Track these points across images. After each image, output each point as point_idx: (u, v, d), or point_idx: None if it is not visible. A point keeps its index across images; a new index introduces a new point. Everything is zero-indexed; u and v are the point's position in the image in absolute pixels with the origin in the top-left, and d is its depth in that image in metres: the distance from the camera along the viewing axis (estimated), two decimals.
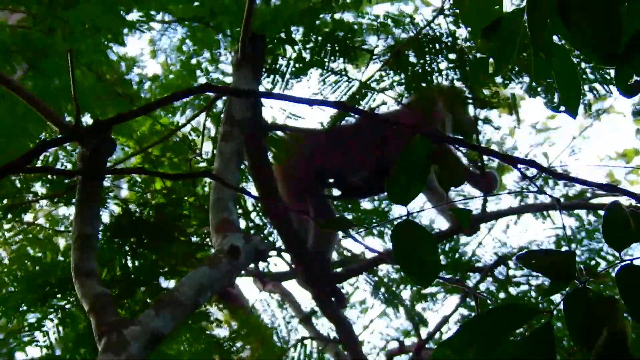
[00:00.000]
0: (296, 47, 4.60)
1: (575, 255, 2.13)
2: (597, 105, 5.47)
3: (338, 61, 4.79)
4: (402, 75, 4.84)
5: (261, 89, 4.32)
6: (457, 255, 5.75)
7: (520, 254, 2.15)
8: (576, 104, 2.29)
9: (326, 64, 4.77)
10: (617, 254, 1.99)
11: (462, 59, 4.88)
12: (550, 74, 2.26)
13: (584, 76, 4.71)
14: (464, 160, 5.06)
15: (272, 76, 4.57)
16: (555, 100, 4.49)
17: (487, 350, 1.98)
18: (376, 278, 5.90)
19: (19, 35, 4.03)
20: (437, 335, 6.18)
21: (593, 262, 5.44)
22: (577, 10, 1.83)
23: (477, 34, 2.25)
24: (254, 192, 4.53)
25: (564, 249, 5.56)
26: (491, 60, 2.26)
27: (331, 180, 5.05)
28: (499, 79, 4.67)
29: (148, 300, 4.81)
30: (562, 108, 2.31)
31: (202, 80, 5.03)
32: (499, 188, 5.59)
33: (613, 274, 1.97)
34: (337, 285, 5.17)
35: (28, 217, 5.31)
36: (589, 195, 5.63)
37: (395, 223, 2.19)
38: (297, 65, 4.61)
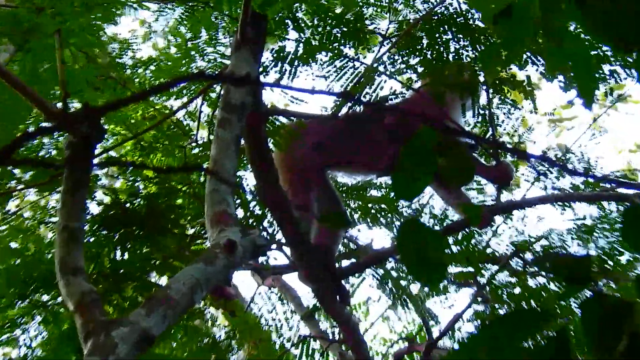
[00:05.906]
0: (307, 32, 4.59)
1: (590, 259, 2.14)
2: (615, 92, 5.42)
3: (348, 45, 4.78)
4: (413, 58, 4.83)
5: (269, 78, 4.31)
6: (470, 245, 5.67)
7: (536, 257, 2.17)
8: (591, 95, 2.31)
9: (335, 48, 4.75)
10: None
11: (476, 38, 4.87)
12: (564, 62, 2.27)
13: (604, 58, 4.68)
14: (475, 151, 5.03)
15: (279, 64, 4.55)
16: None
17: (500, 355, 1.99)
18: (382, 271, 5.87)
19: (6, 14, 4.01)
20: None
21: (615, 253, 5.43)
22: None
23: (489, 19, 2.26)
24: (253, 180, 4.51)
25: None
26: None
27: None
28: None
29: (138, 297, 4.81)
30: (578, 99, 2.32)
31: (200, 62, 5.00)
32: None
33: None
34: (342, 281, 5.16)
35: (10, 206, 5.34)
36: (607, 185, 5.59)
37: (401, 222, 2.21)
38: (304, 49, 4.59)
